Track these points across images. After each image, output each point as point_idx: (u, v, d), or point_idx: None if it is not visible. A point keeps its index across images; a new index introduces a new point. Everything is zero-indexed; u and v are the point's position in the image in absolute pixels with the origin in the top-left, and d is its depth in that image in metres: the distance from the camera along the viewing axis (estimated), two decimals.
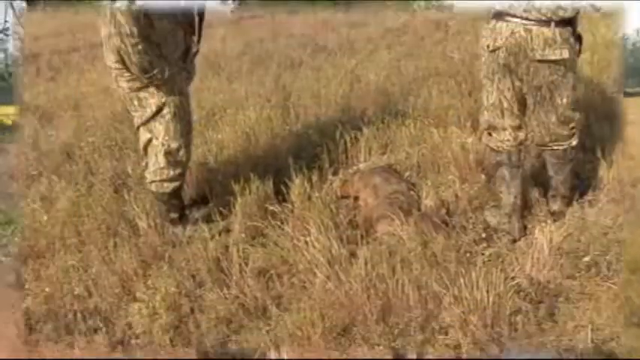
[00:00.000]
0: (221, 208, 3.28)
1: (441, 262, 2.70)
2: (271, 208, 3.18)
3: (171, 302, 2.66)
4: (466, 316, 2.38)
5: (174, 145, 3.01)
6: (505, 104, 2.80)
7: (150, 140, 3.03)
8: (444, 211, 3.17)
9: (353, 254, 2.81)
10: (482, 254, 2.83)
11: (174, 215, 3.16)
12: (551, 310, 2.48)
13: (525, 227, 2.98)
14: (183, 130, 3.01)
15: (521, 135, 2.88)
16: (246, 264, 2.86)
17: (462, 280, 2.47)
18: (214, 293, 2.73)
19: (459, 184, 3.27)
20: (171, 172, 3.06)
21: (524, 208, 3.01)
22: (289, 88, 5.20)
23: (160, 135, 2.98)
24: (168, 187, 3.10)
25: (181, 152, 3.04)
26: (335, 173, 3.69)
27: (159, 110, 2.93)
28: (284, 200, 3.32)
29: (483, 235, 3.01)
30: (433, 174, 3.48)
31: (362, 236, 3.03)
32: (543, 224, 2.84)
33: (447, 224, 3.05)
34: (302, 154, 3.96)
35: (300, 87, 5.21)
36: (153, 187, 3.12)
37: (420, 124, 4.06)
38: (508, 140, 2.87)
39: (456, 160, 3.43)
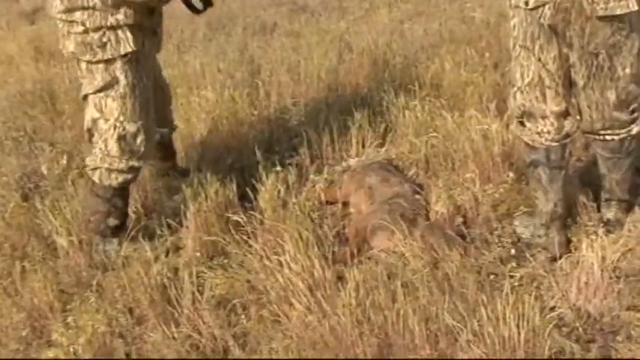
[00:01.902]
0: (168, 219, 3.25)
1: (456, 288, 2.67)
2: (234, 217, 3.13)
3: (100, 345, 2.61)
4: (490, 358, 2.35)
5: (130, 128, 3.01)
6: (547, 82, 2.75)
7: (97, 120, 3.03)
8: (459, 220, 3.15)
9: (341, 277, 2.79)
10: (511, 277, 2.80)
11: (112, 222, 3.14)
12: (605, 351, 2.43)
13: (569, 241, 2.95)
14: (143, 111, 3.03)
15: (567, 125, 2.83)
16: (202, 292, 2.82)
17: (483, 312, 2.42)
18: (159, 332, 2.68)
19: (479, 185, 3.24)
20: (124, 163, 3.06)
21: (567, 216, 2.99)
22: (258, 61, 5.18)
23: (113, 115, 2.99)
24: (117, 179, 3.08)
25: (139, 139, 3.04)
26: (318, 172, 3.68)
27: (113, 81, 2.94)
28: (251, 208, 3.29)
29: (512, 252, 2.98)
30: (445, 171, 3.46)
31: (352, 254, 3.01)
32: (593, 237, 2.78)
33: (463, 237, 3.04)
34: (275, 147, 3.98)
35: (273, 59, 5.19)
36: (95, 176, 3.09)
37: (430, 107, 4.05)
38: (548, 132, 2.82)
39: (475, 154, 3.41)
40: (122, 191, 3.15)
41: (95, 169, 3.09)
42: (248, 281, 2.85)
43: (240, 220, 3.14)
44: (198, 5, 3.21)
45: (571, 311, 2.60)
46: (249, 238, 3.07)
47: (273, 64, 5.01)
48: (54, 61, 5.79)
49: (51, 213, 3.24)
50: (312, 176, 3.63)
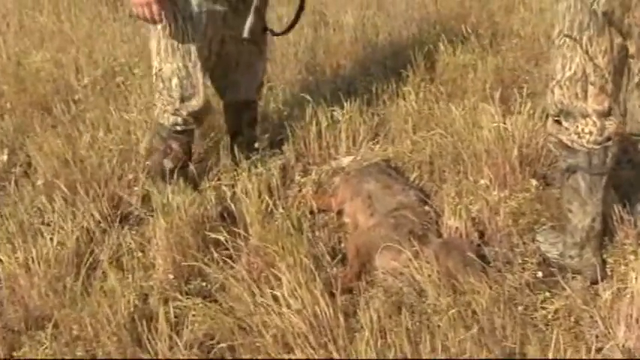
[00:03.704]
0: (133, 234, 2.87)
1: (486, 327, 2.30)
2: (213, 235, 2.69)
3: None
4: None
5: (165, 69, 3.00)
6: (592, 77, 2.44)
7: None
8: (475, 235, 2.78)
9: (347, 313, 2.39)
10: (543, 308, 2.45)
11: (168, 164, 3.09)
12: None
13: (604, 263, 2.62)
14: (178, 54, 2.96)
15: (610, 125, 2.51)
16: (179, 330, 2.41)
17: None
18: None
19: (497, 193, 2.86)
20: (171, 105, 3.04)
21: (603, 233, 2.65)
22: None
23: (153, 52, 3.03)
24: (168, 119, 3.06)
25: (173, 82, 2.99)
26: (304, 173, 3.26)
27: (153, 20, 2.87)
28: (232, 220, 2.90)
29: (539, 275, 2.64)
30: (455, 176, 3.08)
31: (355, 277, 2.63)
32: (631, 258, 2.54)
33: (483, 258, 2.66)
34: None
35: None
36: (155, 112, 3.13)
37: (425, 94, 3.65)
38: (590, 133, 2.51)
39: (489, 155, 3.02)
40: (178, 134, 3.07)
41: (155, 104, 3.11)
42: (236, 318, 2.41)
43: (220, 237, 2.70)
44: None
45: (620, 354, 2.27)
46: (231, 258, 2.68)
47: None
48: None
49: None
50: (298, 178, 3.22)
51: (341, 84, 3.99)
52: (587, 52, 2.42)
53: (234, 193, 3.05)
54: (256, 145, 3.25)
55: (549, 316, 2.43)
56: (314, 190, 3.15)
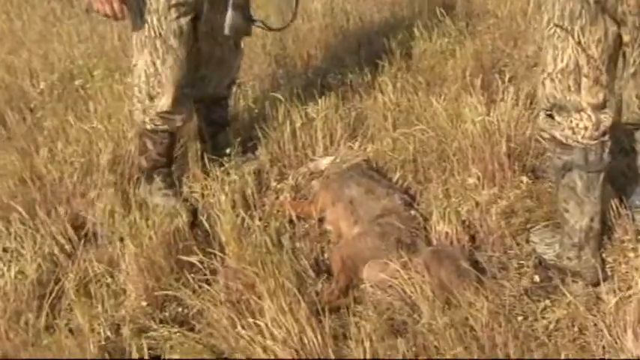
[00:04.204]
0: (100, 258, 2.64)
1: (483, 341, 2.14)
2: (187, 259, 2.51)
3: None
4: None
5: (138, 64, 2.84)
6: (585, 69, 2.29)
7: None
8: (466, 239, 2.62)
9: (337, 336, 2.22)
10: (544, 318, 2.30)
11: (143, 163, 2.99)
12: None
13: (604, 262, 2.49)
14: (146, 46, 2.79)
15: (604, 118, 2.36)
16: None
17: None
18: None
19: (487, 192, 2.70)
20: (140, 103, 2.88)
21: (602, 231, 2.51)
22: None
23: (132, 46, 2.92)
24: (138, 116, 2.91)
25: (142, 79, 2.83)
26: (280, 177, 3.08)
27: None
28: (205, 236, 2.72)
29: (536, 279, 2.49)
30: (441, 174, 2.91)
31: (341, 292, 2.46)
32: (631, 256, 2.43)
33: (476, 264, 2.51)
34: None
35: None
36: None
37: (404, 85, 3.47)
38: (585, 128, 2.36)
39: (475, 151, 2.86)
40: (150, 133, 2.92)
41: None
42: (215, 351, 2.23)
43: (194, 259, 2.51)
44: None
45: None
46: (205, 278, 2.50)
47: None
48: None
49: None
50: (274, 184, 3.04)
51: (313, 77, 3.80)
52: (579, 43, 2.26)
53: (205, 203, 2.89)
54: (228, 150, 3.05)
55: (551, 326, 2.28)
56: (292, 197, 2.97)
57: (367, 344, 2.09)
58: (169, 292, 2.49)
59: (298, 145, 3.21)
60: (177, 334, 2.35)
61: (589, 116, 2.35)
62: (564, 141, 2.40)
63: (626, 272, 2.41)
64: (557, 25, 2.27)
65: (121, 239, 2.72)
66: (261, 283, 2.31)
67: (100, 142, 3.17)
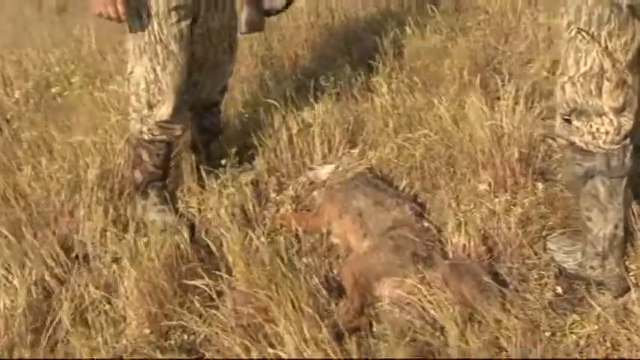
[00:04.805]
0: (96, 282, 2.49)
1: None
2: (191, 282, 2.36)
3: None
4: None
5: (135, 71, 2.70)
6: (610, 72, 2.19)
7: None
8: (483, 250, 2.50)
9: None
10: (573, 333, 2.20)
11: (138, 176, 2.85)
12: None
13: (627, 271, 2.41)
14: (145, 54, 2.66)
15: (626, 122, 2.27)
16: None
17: None
18: None
19: (502, 199, 2.59)
20: (136, 112, 2.75)
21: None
22: None
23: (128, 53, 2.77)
24: (134, 126, 2.78)
25: (142, 87, 2.69)
26: (279, 188, 2.93)
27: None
28: (208, 255, 2.55)
29: (559, 290, 2.39)
30: (449, 181, 2.79)
31: (357, 313, 2.33)
32: None
33: (496, 277, 2.40)
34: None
35: None
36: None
37: (399, 86, 3.34)
38: (606, 132, 2.27)
39: (485, 156, 2.74)
40: (147, 143, 2.79)
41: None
42: None
43: (199, 283, 2.37)
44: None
45: None
46: (212, 301, 2.36)
47: None
48: None
49: None
50: (273, 195, 2.89)
51: (304, 79, 3.65)
52: (606, 48, 2.15)
53: (202, 219, 2.75)
54: (223, 161, 2.90)
55: (582, 342, 2.18)
56: (293, 209, 2.83)
57: None
58: (174, 317, 2.34)
59: (296, 152, 3.07)
60: None
61: (610, 120, 2.25)
62: (585, 147, 2.30)
63: None
64: (581, 30, 2.16)
65: (115, 260, 2.58)
66: (276, 306, 2.18)
67: (87, 156, 2.99)
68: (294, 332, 2.04)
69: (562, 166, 2.79)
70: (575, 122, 2.30)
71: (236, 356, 2.14)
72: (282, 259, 2.40)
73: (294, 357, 1.99)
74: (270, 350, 2.05)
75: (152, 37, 2.60)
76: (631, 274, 2.40)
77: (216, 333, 2.25)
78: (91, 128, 3.19)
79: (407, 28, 3.78)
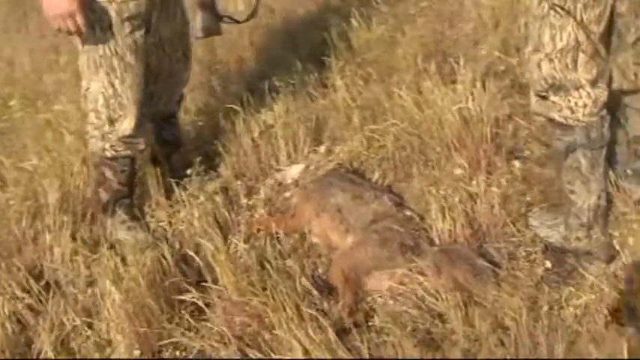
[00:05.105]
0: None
1: (524, 341, 2.02)
2: (179, 297, 2.27)
3: None
4: None
5: (92, 87, 2.59)
6: (585, 45, 2.21)
7: None
8: (469, 233, 2.49)
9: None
10: (570, 305, 2.20)
11: (103, 195, 2.72)
12: None
13: (611, 238, 2.43)
14: (105, 72, 2.55)
15: (601, 93, 2.29)
16: None
17: None
18: None
19: (483, 180, 2.58)
20: (98, 129, 2.63)
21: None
22: None
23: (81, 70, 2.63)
24: (95, 144, 2.67)
25: (100, 103, 2.58)
26: (249, 193, 2.87)
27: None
28: (188, 266, 2.48)
29: (547, 265, 2.39)
30: (423, 168, 2.77)
31: (351, 310, 2.28)
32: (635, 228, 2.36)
33: (486, 259, 2.39)
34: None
35: None
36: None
37: (353, 79, 3.31)
38: (584, 105, 2.28)
39: (459, 141, 2.73)
40: (110, 161, 2.68)
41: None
42: None
43: (187, 297, 2.28)
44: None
45: None
46: (201, 314, 2.29)
47: None
48: None
49: None
50: (244, 201, 2.82)
51: (255, 81, 3.58)
52: (581, 21, 2.16)
53: (174, 231, 2.66)
54: (188, 171, 2.81)
55: (578, 312, 2.19)
56: (267, 212, 2.77)
57: None
58: (164, 334, 2.25)
59: (261, 155, 3.00)
60: None
61: (588, 93, 2.27)
62: (564, 122, 2.31)
63: (635, 245, 2.35)
64: (555, 5, 2.16)
65: (90, 283, 2.47)
66: (272, 312, 2.12)
67: (44, 179, 2.85)
68: (299, 336, 1.98)
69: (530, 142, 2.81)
70: (552, 98, 2.30)
71: None
72: (270, 264, 2.34)
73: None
74: (275, 356, 1.98)
75: (107, 50, 2.50)
76: (615, 240, 2.42)
77: (211, 345, 2.18)
78: (42, 151, 3.03)
79: (352, 21, 3.74)
